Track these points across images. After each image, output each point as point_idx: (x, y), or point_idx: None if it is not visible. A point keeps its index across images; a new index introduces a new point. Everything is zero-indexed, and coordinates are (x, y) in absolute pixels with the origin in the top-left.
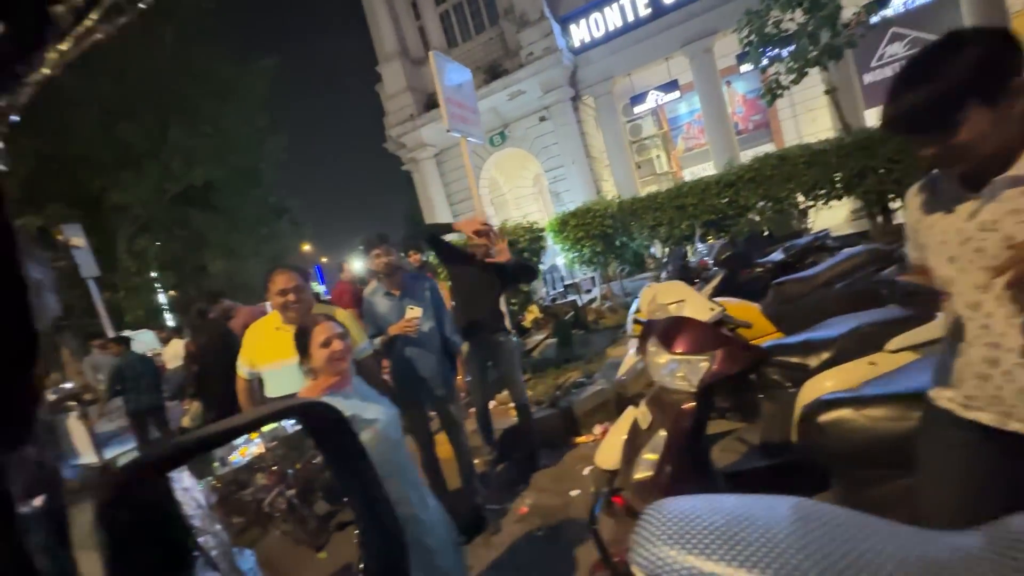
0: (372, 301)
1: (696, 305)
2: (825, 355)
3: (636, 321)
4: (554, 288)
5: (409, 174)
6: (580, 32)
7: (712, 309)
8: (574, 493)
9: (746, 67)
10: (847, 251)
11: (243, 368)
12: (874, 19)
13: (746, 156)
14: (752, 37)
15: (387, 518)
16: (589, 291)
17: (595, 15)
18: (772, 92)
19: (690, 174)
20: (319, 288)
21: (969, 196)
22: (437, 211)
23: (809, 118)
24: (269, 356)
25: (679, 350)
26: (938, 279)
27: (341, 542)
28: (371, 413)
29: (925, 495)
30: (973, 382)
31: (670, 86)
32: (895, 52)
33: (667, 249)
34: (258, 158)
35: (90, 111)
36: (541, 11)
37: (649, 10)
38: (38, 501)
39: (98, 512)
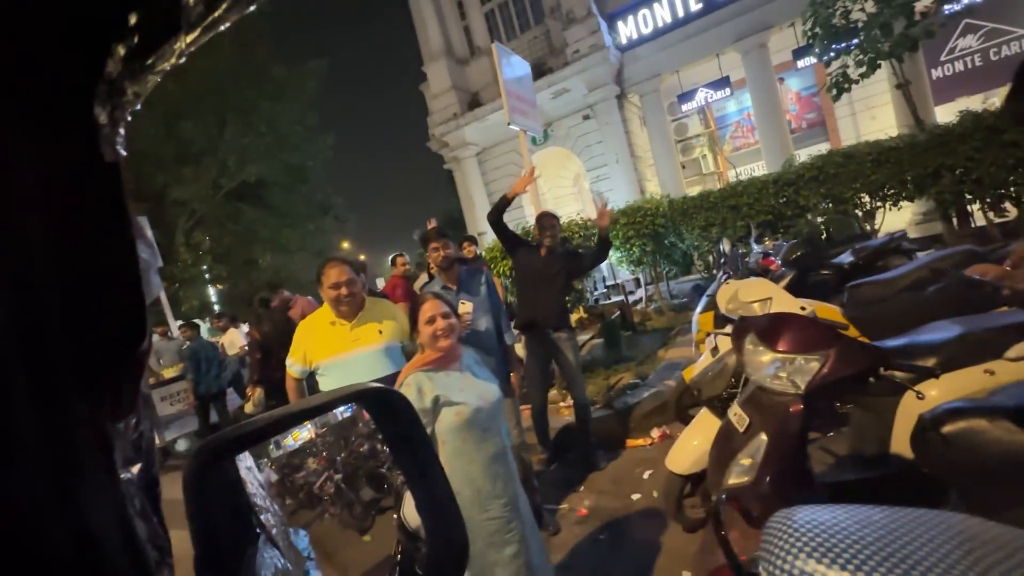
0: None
1: (785, 303)
2: (931, 361)
3: (724, 318)
4: (595, 289)
5: (450, 173)
6: (627, 29)
7: (803, 308)
8: (635, 497)
9: (803, 62)
10: (937, 252)
11: (295, 366)
12: (948, 8)
13: (800, 156)
14: (817, 29)
15: (447, 507)
16: (631, 292)
17: (643, 11)
18: (839, 86)
19: (735, 175)
20: None
21: None
22: (478, 209)
23: (868, 116)
24: (329, 350)
25: (783, 348)
26: None
27: (381, 526)
28: (461, 396)
29: None
30: None
31: (721, 83)
32: (968, 45)
33: (725, 250)
34: (307, 156)
35: (155, 110)
36: (588, 8)
37: (700, 5)
38: (135, 469)
39: (187, 485)
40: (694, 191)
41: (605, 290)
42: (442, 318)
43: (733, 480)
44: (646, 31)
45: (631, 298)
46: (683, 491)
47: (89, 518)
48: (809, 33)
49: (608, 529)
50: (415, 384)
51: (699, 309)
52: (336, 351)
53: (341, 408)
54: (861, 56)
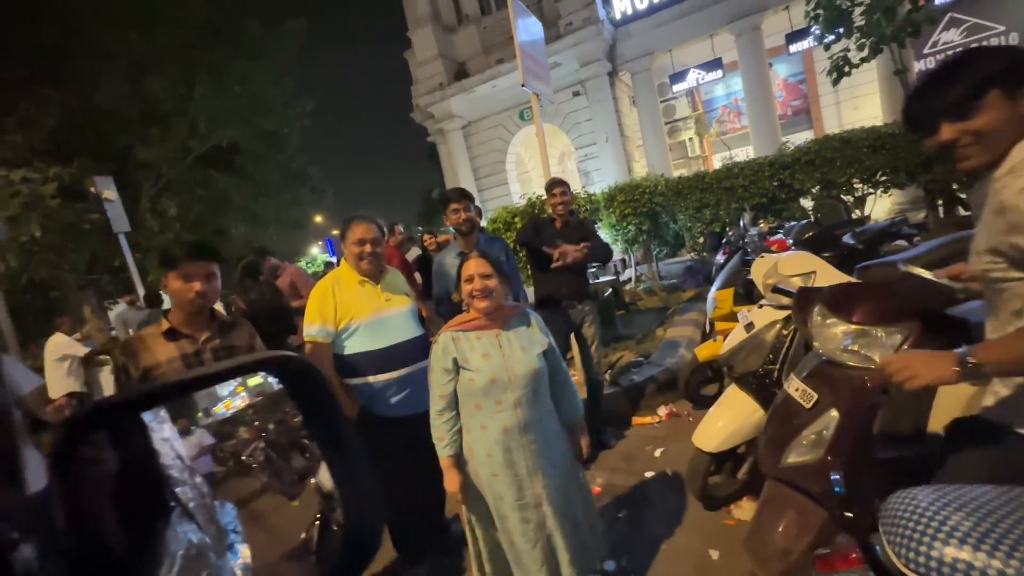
0: (443, 261)
1: (831, 277)
2: None
3: (778, 290)
4: None
5: (434, 146)
6: (622, 3)
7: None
8: (649, 475)
9: (796, 47)
10: (951, 235)
11: (320, 329)
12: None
13: (786, 142)
14: (819, 11)
15: (362, 479)
16: (618, 273)
17: None
18: (839, 70)
19: (720, 160)
20: (330, 259)
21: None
22: (462, 184)
23: (851, 105)
24: (365, 308)
25: (859, 320)
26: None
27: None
28: (481, 363)
29: None
30: None
31: (713, 64)
32: (951, 39)
33: (746, 222)
34: (283, 122)
35: (117, 64)
36: None
37: None
38: None
39: (52, 453)
40: (681, 174)
41: (593, 269)
42: (480, 278)
43: (794, 458)
44: (641, 6)
45: (620, 277)
46: (709, 468)
47: None
48: (812, 14)
49: (625, 507)
50: (442, 342)
51: (716, 286)
52: (373, 309)
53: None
54: (863, 40)
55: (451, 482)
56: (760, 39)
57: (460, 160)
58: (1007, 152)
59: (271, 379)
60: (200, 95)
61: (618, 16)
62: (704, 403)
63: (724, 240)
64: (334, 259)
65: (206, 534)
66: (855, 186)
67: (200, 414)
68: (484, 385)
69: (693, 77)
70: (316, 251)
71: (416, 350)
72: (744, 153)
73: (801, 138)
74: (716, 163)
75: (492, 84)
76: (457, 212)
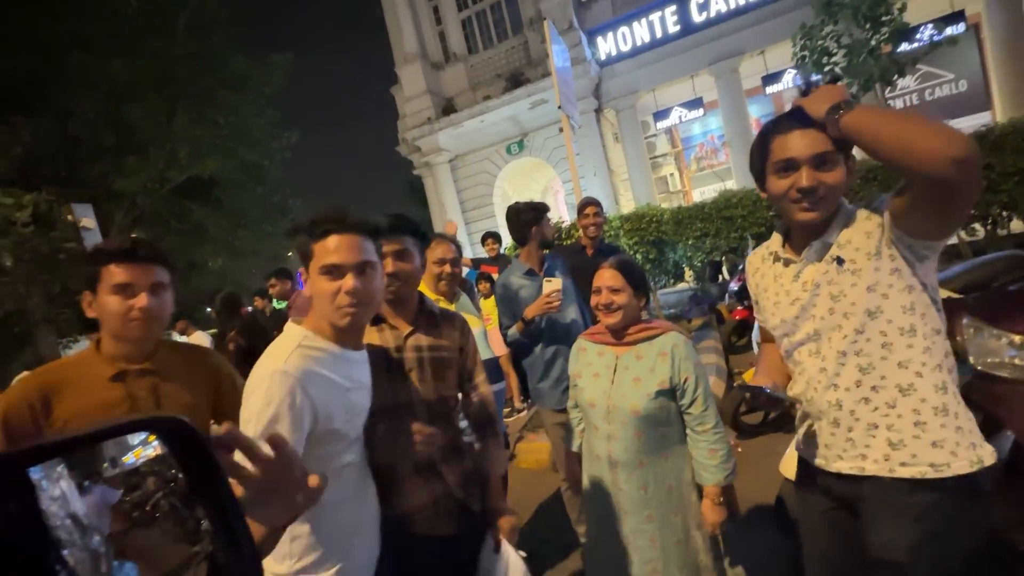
0: (508, 283)
1: None
2: None
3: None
4: None
5: (418, 179)
6: (607, 45)
7: None
8: None
9: (772, 88)
10: (980, 258)
11: None
12: (907, 47)
13: None
14: (805, 52)
15: (241, 535)
16: None
17: (623, 29)
18: None
19: (699, 194)
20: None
21: (793, 260)
22: (450, 217)
23: None
24: None
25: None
26: (779, 340)
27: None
28: (588, 381)
29: None
30: (825, 439)
31: (694, 103)
32: (907, 85)
33: (737, 259)
34: (265, 155)
35: (94, 92)
36: (570, 21)
37: (678, 27)
38: None
39: None
40: (664, 207)
41: None
42: (608, 292)
43: None
44: (625, 48)
45: None
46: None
47: None
48: (798, 55)
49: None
50: (576, 345)
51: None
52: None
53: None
54: (851, 80)
55: (567, 472)
56: (738, 80)
57: (447, 193)
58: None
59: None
60: (182, 125)
61: (603, 56)
62: (750, 432)
63: (740, 267)
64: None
65: None
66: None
67: (106, 464)
68: (585, 405)
69: (676, 115)
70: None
71: (491, 372)
72: (724, 187)
73: None
74: (696, 196)
75: (480, 119)
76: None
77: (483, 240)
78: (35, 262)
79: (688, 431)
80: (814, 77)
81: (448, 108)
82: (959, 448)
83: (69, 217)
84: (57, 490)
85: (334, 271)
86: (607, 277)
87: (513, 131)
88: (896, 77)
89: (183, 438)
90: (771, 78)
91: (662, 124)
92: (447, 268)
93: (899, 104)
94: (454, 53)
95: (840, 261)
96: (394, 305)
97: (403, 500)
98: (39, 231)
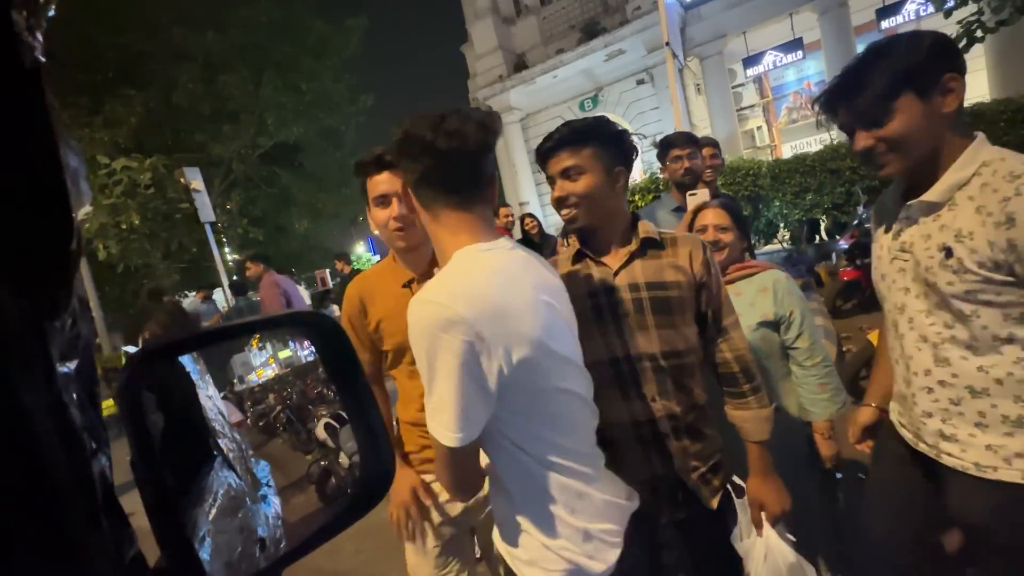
0: (655, 218)
1: None
2: None
3: None
4: None
5: None
6: None
7: None
8: None
9: (889, 23)
10: None
11: None
12: None
13: None
14: None
15: (377, 426)
16: None
17: None
18: (971, 35)
19: (789, 148)
20: (372, 257)
21: (899, 214)
22: (520, 178)
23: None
24: None
25: None
26: (879, 295)
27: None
28: None
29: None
30: (899, 399)
31: (792, 46)
32: None
33: (860, 211)
34: (342, 119)
35: (193, 64)
36: None
37: None
38: (72, 365)
39: (120, 388)
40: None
41: None
42: (714, 230)
43: None
44: None
45: None
46: None
47: (23, 400)
48: None
49: None
50: None
51: None
52: None
53: (306, 352)
54: (1000, 2)
55: None
56: (847, 16)
57: (518, 153)
58: (931, 156)
59: (300, 352)
60: (268, 93)
61: None
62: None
63: (856, 222)
64: (376, 256)
65: (243, 482)
66: None
67: (235, 380)
68: None
69: (769, 59)
70: (361, 249)
71: None
72: (815, 143)
73: None
74: (786, 152)
75: (553, 75)
76: (679, 160)
77: (522, 218)
78: (156, 220)
79: (795, 368)
80: (949, 3)
81: (520, 64)
82: (1016, 458)
83: (181, 180)
84: (210, 390)
85: (383, 201)
86: (714, 216)
87: (587, 86)
88: None
89: (325, 333)
90: (888, 10)
91: (752, 71)
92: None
93: None
94: (526, 5)
95: (949, 253)
96: (592, 237)
97: (620, 471)
98: (158, 193)
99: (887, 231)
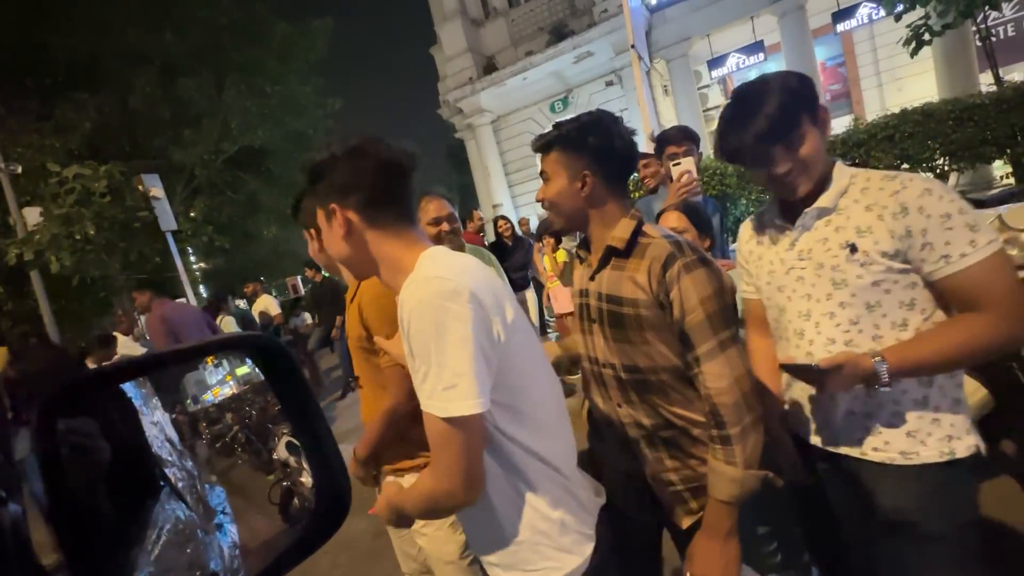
0: (650, 209)
1: None
2: None
3: None
4: None
5: (456, 146)
6: None
7: None
8: None
9: (843, 26)
10: None
11: None
12: None
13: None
14: None
15: (329, 448)
16: None
17: None
18: (919, 39)
19: None
20: None
21: (788, 227)
22: (493, 180)
23: (895, 87)
24: None
25: None
26: (770, 309)
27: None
28: None
29: None
30: (804, 410)
31: (754, 48)
32: (1002, 15)
33: None
34: (310, 123)
35: (150, 67)
36: None
37: None
38: None
39: (33, 426)
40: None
41: None
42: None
43: None
44: None
45: None
46: None
47: None
48: None
49: None
50: None
51: None
52: None
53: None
54: (945, 7)
55: None
56: (804, 19)
57: (490, 155)
58: (826, 177)
59: (257, 370)
60: (232, 96)
61: (654, 1)
62: None
63: None
64: None
65: (194, 513)
66: (936, 162)
67: (189, 400)
68: None
69: (733, 61)
70: None
71: None
72: None
73: (841, 122)
74: None
75: (523, 77)
76: (675, 157)
77: (495, 221)
78: (113, 230)
79: None
80: (898, 8)
81: (489, 67)
82: (930, 439)
83: (139, 188)
84: (156, 416)
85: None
86: (672, 219)
87: (557, 88)
88: (987, 8)
89: (272, 357)
90: (843, 14)
91: (717, 73)
92: (444, 227)
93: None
94: (494, 7)
95: (854, 249)
96: (587, 237)
97: (604, 456)
98: (115, 201)
99: (775, 245)
